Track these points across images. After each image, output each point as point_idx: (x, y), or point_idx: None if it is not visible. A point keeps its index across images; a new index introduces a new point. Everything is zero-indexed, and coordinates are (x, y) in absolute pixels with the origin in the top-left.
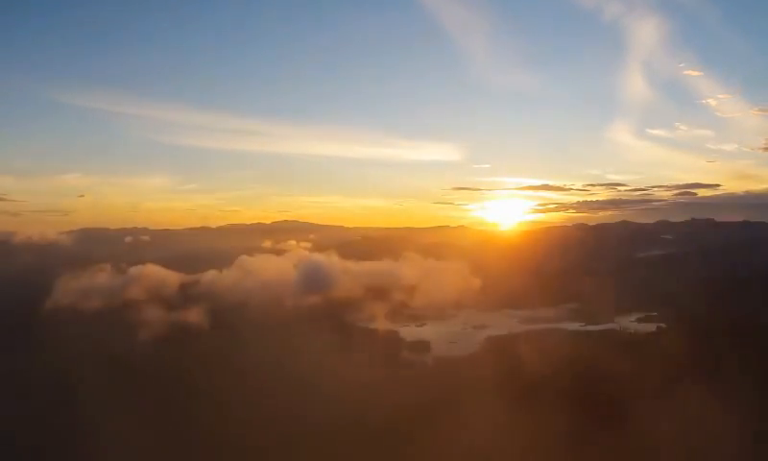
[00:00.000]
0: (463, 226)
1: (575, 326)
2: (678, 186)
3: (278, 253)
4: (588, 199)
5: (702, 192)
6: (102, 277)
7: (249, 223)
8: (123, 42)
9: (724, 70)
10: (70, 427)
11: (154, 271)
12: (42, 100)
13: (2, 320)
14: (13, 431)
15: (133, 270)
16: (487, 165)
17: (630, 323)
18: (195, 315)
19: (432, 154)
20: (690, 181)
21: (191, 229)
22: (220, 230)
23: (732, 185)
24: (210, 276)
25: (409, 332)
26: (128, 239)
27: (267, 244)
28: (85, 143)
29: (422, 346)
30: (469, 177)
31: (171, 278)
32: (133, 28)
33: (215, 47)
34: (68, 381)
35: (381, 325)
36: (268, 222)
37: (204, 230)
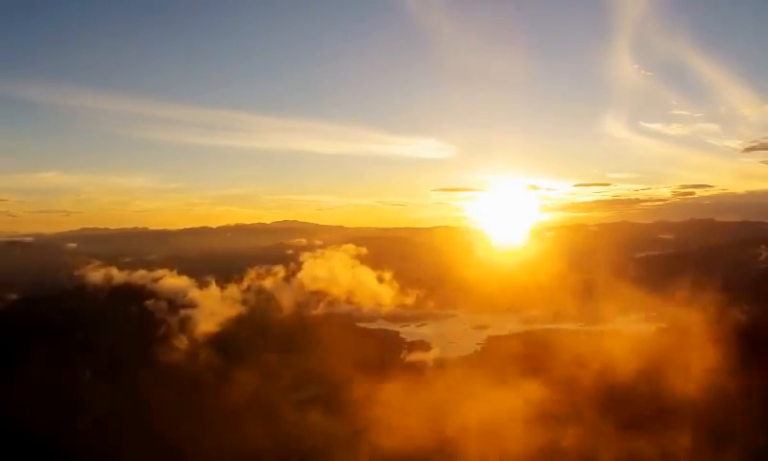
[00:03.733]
0: (463, 226)
1: (575, 326)
2: (677, 186)
3: (288, 254)
4: (588, 199)
5: (701, 192)
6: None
7: (249, 223)
8: (94, 33)
9: (728, 60)
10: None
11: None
12: (8, 97)
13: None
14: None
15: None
16: (483, 163)
17: (630, 323)
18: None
19: (425, 150)
20: (690, 181)
21: (191, 229)
22: (220, 230)
23: (734, 185)
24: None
25: (409, 332)
26: (132, 240)
27: (275, 245)
28: (60, 141)
29: (422, 346)
30: (466, 174)
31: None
32: (107, 18)
33: (196, 38)
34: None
35: (381, 325)
36: (268, 222)
37: (205, 230)
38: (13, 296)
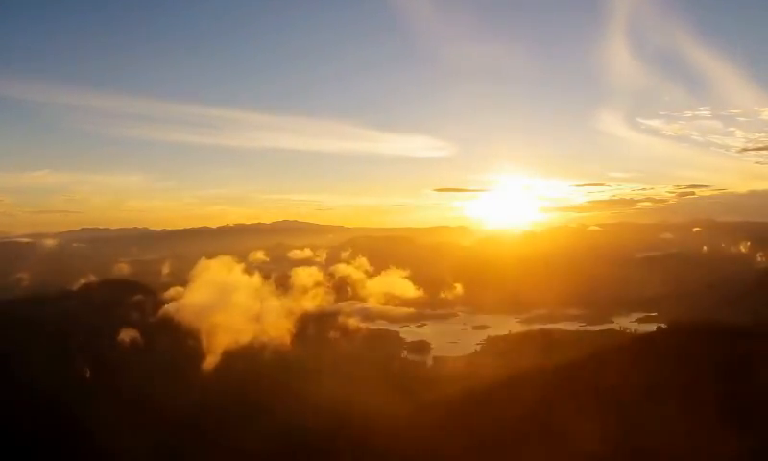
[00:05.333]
0: (463, 226)
1: (575, 326)
2: (677, 186)
3: (288, 255)
4: (587, 199)
5: (702, 192)
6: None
7: (249, 223)
8: (80, 31)
9: (731, 56)
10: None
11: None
12: None
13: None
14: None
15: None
16: (481, 161)
17: (630, 323)
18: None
19: (421, 149)
20: (690, 180)
21: (191, 229)
22: (221, 230)
23: (735, 184)
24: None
25: (409, 332)
26: (133, 240)
27: (276, 245)
28: (48, 140)
29: (422, 346)
30: (464, 173)
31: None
32: (95, 16)
33: (185, 35)
34: None
35: (382, 325)
36: (268, 222)
37: (205, 230)
38: (14, 296)
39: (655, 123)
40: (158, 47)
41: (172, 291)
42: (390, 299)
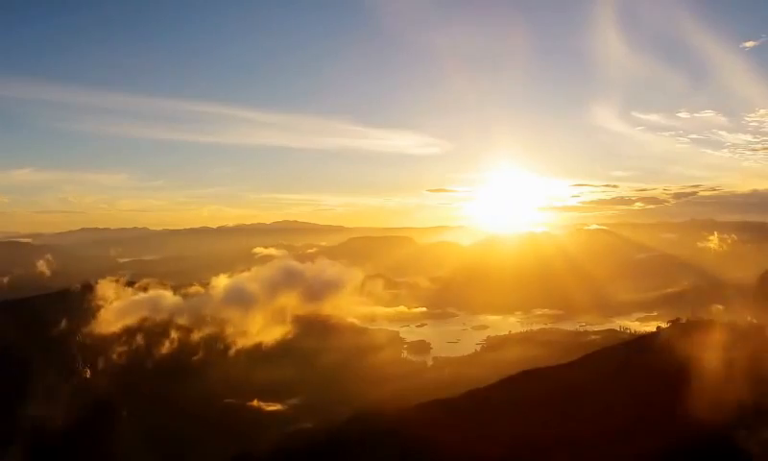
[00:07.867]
0: (462, 226)
1: (575, 326)
2: (678, 186)
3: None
4: (588, 198)
5: (703, 192)
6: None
7: (249, 223)
8: (63, 26)
9: (735, 53)
10: None
11: None
12: None
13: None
14: None
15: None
16: (477, 159)
17: (630, 323)
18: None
19: (416, 147)
20: (690, 178)
21: (191, 229)
22: (221, 230)
23: (737, 183)
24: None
25: (409, 332)
26: (134, 241)
27: (276, 245)
28: (29, 137)
29: (422, 346)
30: (461, 172)
31: None
32: (80, 12)
33: (172, 29)
34: None
35: (382, 325)
36: (268, 222)
37: (205, 230)
38: (16, 296)
39: (653, 118)
40: (146, 41)
41: (174, 291)
42: (390, 298)
